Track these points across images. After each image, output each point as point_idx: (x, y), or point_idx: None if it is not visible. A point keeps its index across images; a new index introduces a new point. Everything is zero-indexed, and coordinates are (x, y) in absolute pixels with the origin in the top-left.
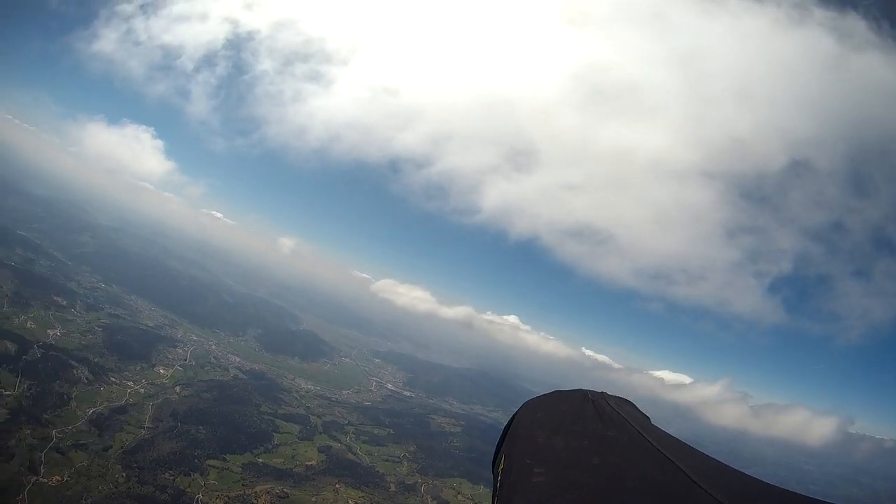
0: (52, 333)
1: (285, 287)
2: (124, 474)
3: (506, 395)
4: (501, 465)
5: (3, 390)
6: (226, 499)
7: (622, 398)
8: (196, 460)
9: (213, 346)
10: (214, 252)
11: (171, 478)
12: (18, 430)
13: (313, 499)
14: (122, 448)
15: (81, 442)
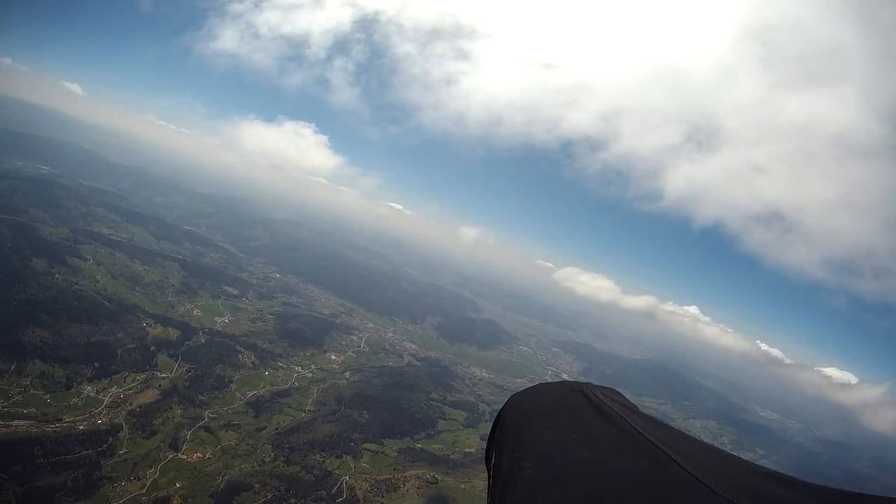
0: (219, 321)
1: (468, 276)
2: (272, 454)
3: (678, 389)
4: (493, 461)
5: (158, 373)
6: (373, 482)
7: (608, 388)
8: (352, 443)
9: (390, 334)
10: (395, 242)
11: (321, 459)
12: (168, 409)
13: (462, 486)
14: (276, 429)
15: (234, 422)
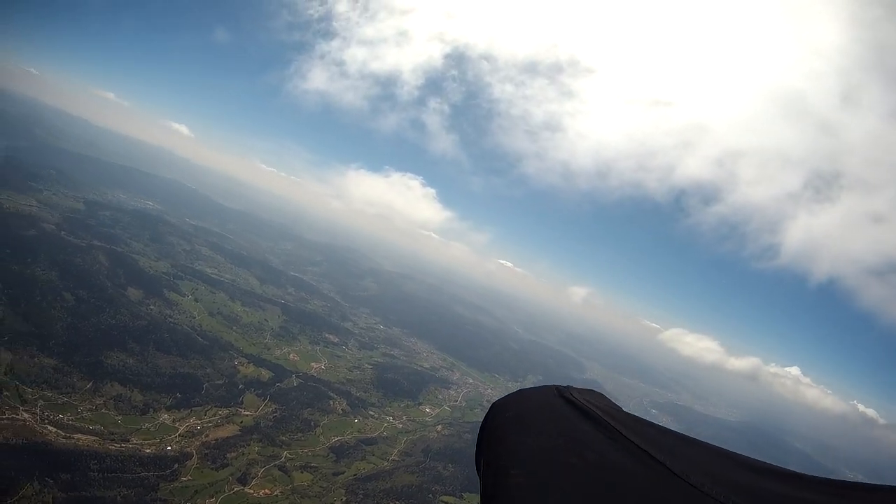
0: (315, 366)
1: (574, 335)
2: (344, 498)
3: (769, 451)
4: (482, 469)
5: (242, 410)
6: None
7: (591, 390)
8: (430, 495)
9: (489, 391)
10: (504, 299)
11: None
12: (245, 445)
13: None
14: (354, 475)
15: (312, 465)
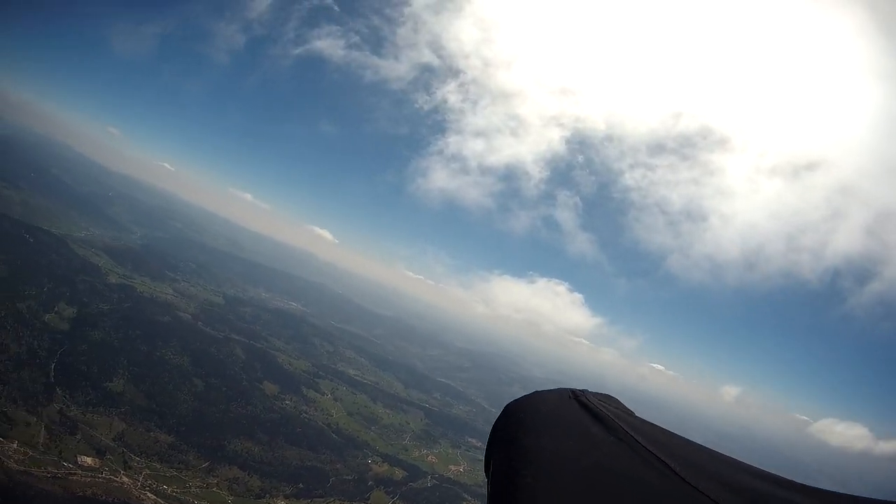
0: (454, 469)
1: (723, 435)
2: None
3: None
4: (491, 469)
5: None
6: None
7: (605, 394)
8: None
9: None
10: (654, 402)
11: None
12: None
13: None
14: None
15: None
